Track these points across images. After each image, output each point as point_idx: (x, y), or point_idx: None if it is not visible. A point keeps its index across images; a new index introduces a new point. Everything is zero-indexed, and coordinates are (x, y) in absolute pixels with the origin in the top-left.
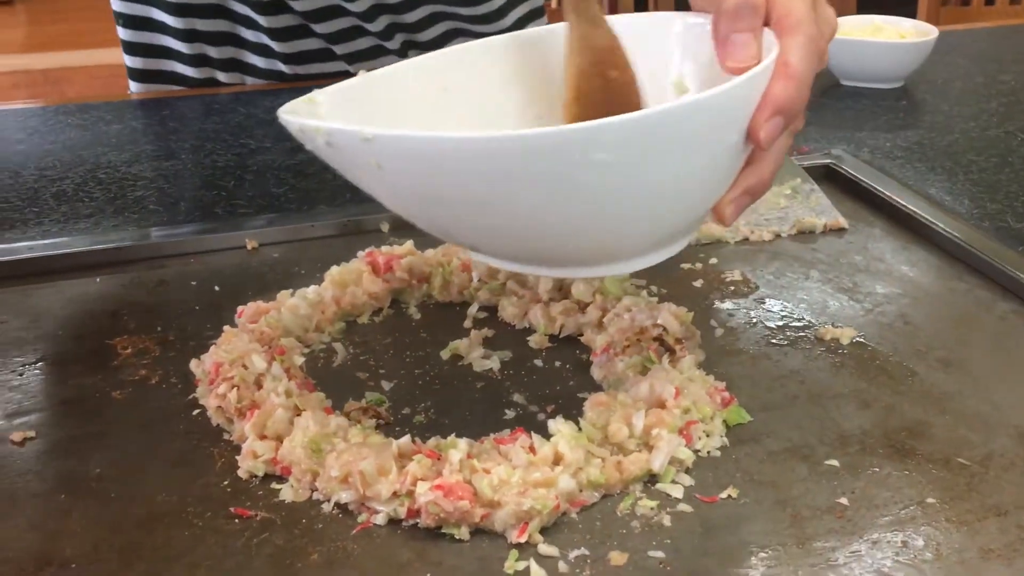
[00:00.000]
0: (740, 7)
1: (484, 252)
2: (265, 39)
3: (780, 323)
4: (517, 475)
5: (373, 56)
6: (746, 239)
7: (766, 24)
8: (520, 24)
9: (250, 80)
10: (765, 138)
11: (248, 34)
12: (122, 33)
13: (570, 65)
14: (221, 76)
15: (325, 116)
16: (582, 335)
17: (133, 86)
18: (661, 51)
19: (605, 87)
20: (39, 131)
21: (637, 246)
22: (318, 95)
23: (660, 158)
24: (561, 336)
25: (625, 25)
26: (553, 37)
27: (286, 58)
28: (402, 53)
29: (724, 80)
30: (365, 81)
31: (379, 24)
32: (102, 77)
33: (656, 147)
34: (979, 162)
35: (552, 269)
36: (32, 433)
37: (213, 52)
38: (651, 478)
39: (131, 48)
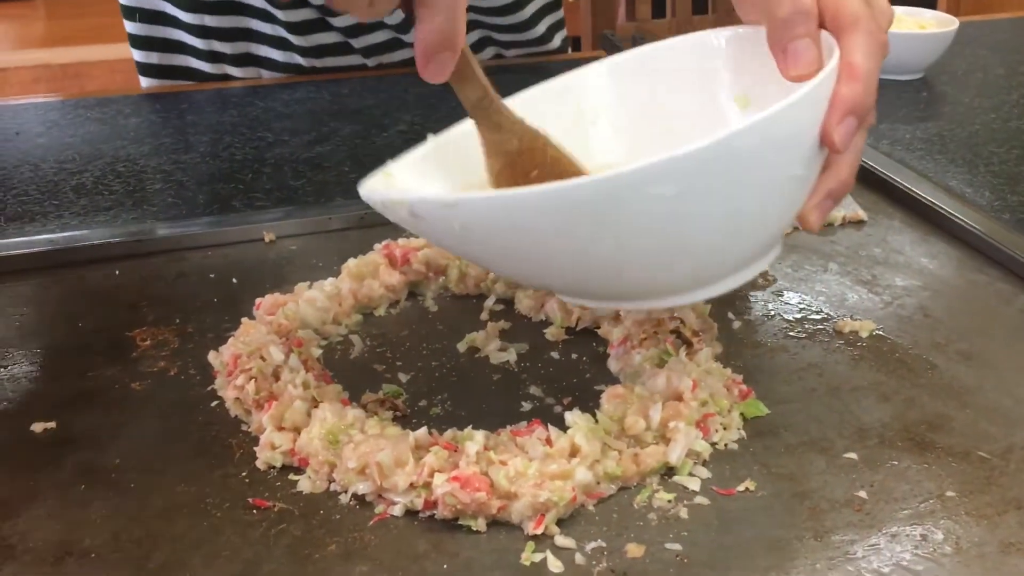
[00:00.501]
0: (793, 15)
1: (571, 295)
2: (283, 32)
3: (798, 316)
4: (534, 467)
5: (390, 49)
6: None
7: (821, 26)
8: (537, 17)
9: (266, 74)
10: (840, 141)
11: (265, 27)
12: (130, 27)
13: (489, 169)
14: (234, 71)
15: (402, 186)
16: (599, 328)
17: (144, 81)
18: (710, 70)
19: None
20: (59, 125)
21: (723, 268)
22: (393, 168)
23: (736, 181)
24: (578, 328)
25: (664, 53)
26: (584, 80)
27: (304, 51)
28: None
29: (790, 90)
30: (435, 147)
31: (395, 16)
32: (121, 71)
33: (730, 171)
34: (1000, 154)
35: (641, 302)
36: (52, 424)
37: (226, 48)
38: (668, 471)
39: (141, 42)
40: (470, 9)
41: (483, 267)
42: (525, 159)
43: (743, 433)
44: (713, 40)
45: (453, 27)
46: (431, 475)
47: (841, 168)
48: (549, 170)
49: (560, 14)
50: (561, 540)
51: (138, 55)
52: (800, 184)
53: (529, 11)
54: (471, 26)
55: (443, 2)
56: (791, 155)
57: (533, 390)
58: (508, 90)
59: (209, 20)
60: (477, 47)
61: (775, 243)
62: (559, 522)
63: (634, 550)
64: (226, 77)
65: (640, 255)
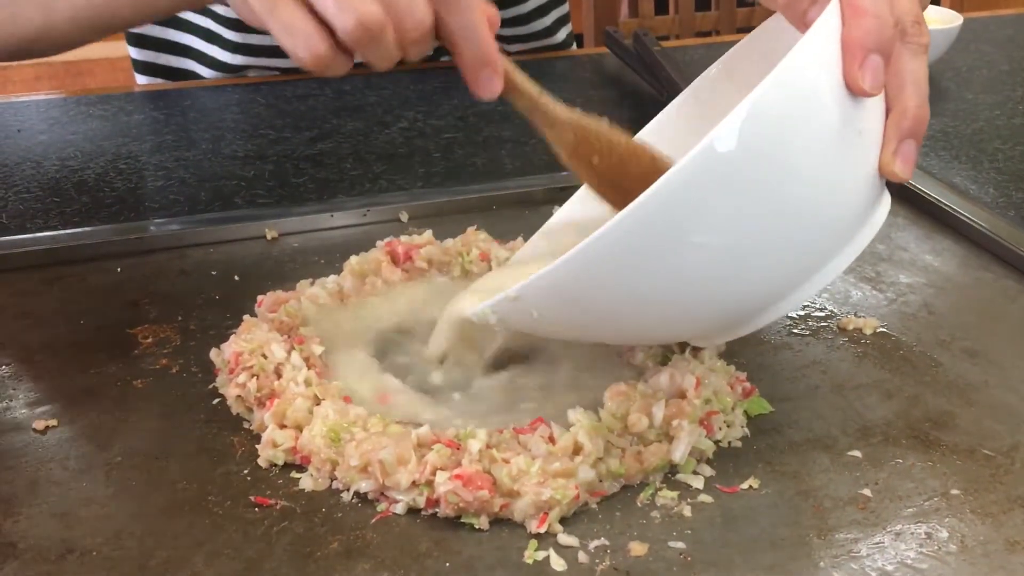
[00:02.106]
0: None
1: (669, 338)
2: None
3: (802, 313)
4: (536, 465)
5: None
6: None
7: None
8: (542, 11)
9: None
10: (870, 85)
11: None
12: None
13: (560, 156)
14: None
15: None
16: None
17: (140, 79)
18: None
19: (599, 173)
20: (61, 122)
21: (823, 246)
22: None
23: (780, 166)
24: None
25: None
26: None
27: None
28: (435, 57)
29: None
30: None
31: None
32: (123, 69)
33: (768, 142)
34: (1004, 150)
35: (737, 328)
36: (54, 421)
37: (226, 57)
38: (671, 468)
39: (135, 40)
40: None
41: (585, 339)
42: (583, 148)
43: (746, 431)
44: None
45: (483, 48)
46: (433, 473)
47: (906, 102)
48: (607, 156)
49: (565, 8)
50: (564, 538)
51: (134, 52)
52: (856, 139)
53: (532, 4)
54: None
55: (467, 30)
56: (821, 111)
57: None
58: None
59: (214, 25)
60: None
61: (870, 206)
62: (562, 520)
63: (637, 548)
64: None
65: (696, 281)
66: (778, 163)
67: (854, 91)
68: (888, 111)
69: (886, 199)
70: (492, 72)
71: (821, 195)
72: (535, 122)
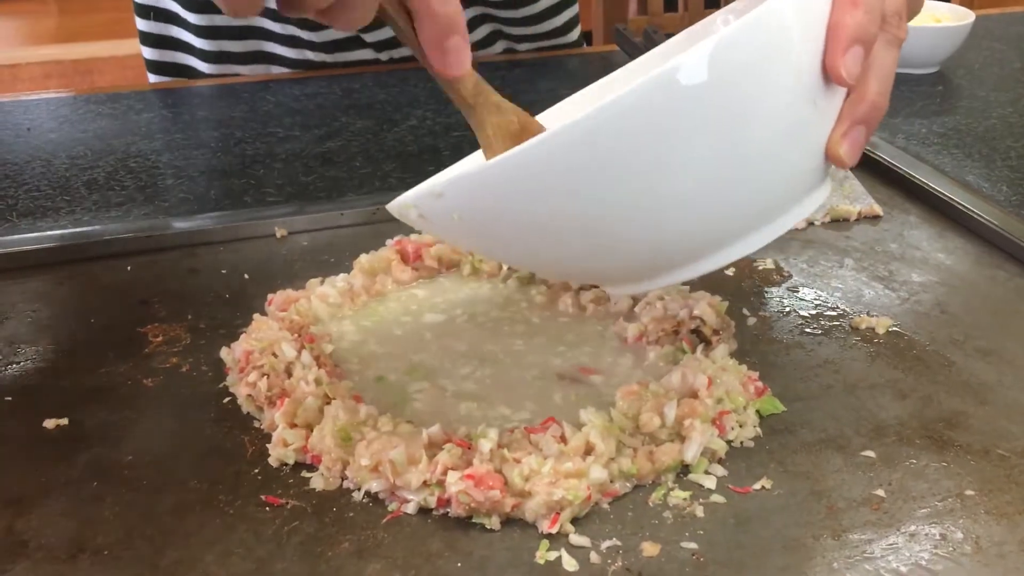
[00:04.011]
0: None
1: (589, 275)
2: (293, 29)
3: (814, 312)
4: (548, 465)
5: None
6: None
7: None
8: (553, 11)
9: (276, 70)
10: (849, 73)
11: (275, 26)
12: (141, 25)
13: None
14: (242, 70)
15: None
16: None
17: (152, 79)
18: None
19: None
20: (70, 120)
21: (740, 223)
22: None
23: (727, 102)
24: None
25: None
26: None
27: (315, 47)
28: None
29: None
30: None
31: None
32: (133, 67)
33: (691, 106)
34: (1017, 148)
35: (660, 275)
36: (64, 420)
37: (235, 47)
38: (683, 468)
39: (152, 40)
40: (480, 2)
41: (501, 259)
42: (528, 135)
43: (759, 431)
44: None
45: (451, 10)
46: (444, 473)
47: (866, 88)
48: None
49: (575, 9)
50: (576, 539)
51: (147, 52)
52: (810, 109)
53: (543, 4)
54: (479, 20)
55: None
56: (780, 73)
57: None
58: (521, 85)
59: (219, 20)
60: (487, 41)
61: (810, 185)
62: (574, 520)
63: (649, 549)
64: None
65: (633, 205)
66: (736, 100)
67: (833, 76)
68: (848, 94)
69: (825, 187)
70: (460, 40)
71: (769, 147)
72: (478, 109)
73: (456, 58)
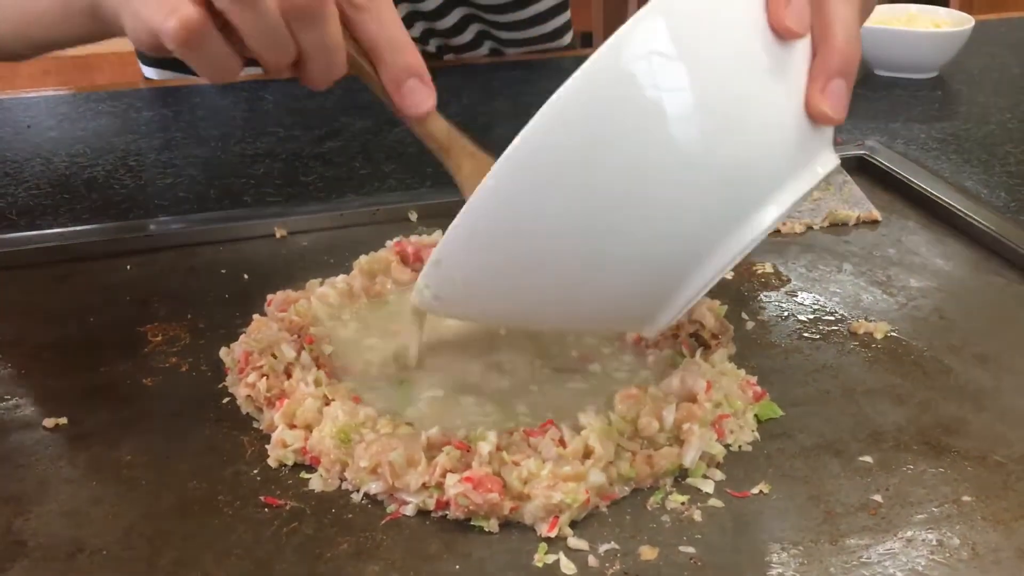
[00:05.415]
0: None
1: (612, 305)
2: None
3: (812, 316)
4: (547, 468)
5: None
6: (777, 231)
7: None
8: (546, 16)
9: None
10: (795, 23)
11: None
12: None
13: None
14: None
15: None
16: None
17: (146, 71)
18: None
19: None
20: (70, 118)
21: (753, 187)
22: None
23: (686, 66)
24: None
25: None
26: None
27: None
28: (438, 56)
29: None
30: None
31: (416, 30)
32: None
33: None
34: (1016, 154)
35: (683, 282)
36: (63, 420)
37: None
38: (682, 472)
39: None
40: (467, 4)
41: (521, 318)
42: None
43: (757, 435)
44: None
45: (406, 59)
46: (443, 475)
47: (832, 40)
48: None
49: (567, 16)
50: (574, 542)
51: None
52: (773, 85)
53: (532, 11)
54: (467, 21)
55: (395, 41)
56: (739, 37)
57: None
58: (508, 87)
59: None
60: (474, 43)
61: (800, 152)
62: (572, 524)
63: (647, 552)
64: None
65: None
66: (685, 69)
67: (777, 29)
68: (814, 55)
69: (827, 157)
70: (418, 81)
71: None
72: (454, 152)
73: (413, 99)
